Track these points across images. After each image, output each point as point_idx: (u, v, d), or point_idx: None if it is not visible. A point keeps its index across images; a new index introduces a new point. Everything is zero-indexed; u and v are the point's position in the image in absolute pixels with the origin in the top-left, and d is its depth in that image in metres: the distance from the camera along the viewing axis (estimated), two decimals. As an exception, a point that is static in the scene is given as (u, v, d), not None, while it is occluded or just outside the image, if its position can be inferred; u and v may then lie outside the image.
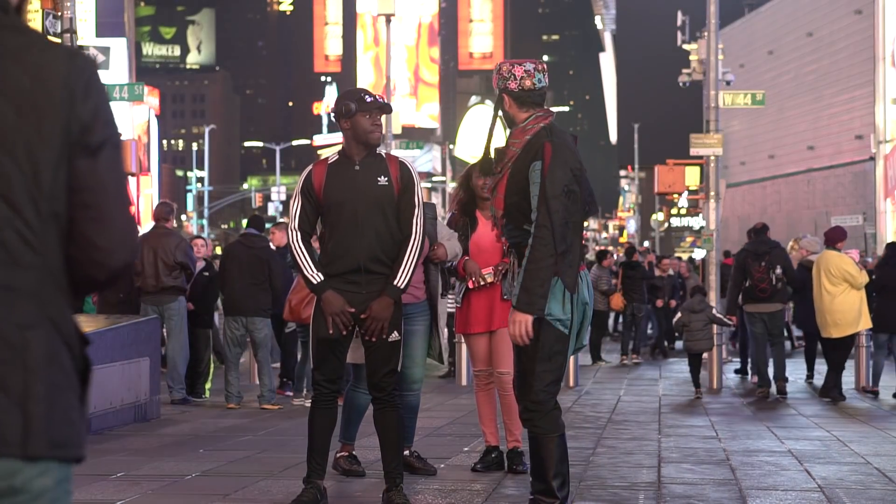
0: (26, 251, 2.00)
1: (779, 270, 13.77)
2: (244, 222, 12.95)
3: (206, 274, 13.22)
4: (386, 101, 6.46)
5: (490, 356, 7.70)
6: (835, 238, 13.80)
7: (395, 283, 6.16)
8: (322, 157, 6.52)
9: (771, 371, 13.98)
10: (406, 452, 7.61)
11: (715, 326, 14.32)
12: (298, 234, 6.23)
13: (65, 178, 2.03)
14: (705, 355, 14.50)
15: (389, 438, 6.36)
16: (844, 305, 13.37)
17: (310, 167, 6.40)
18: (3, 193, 1.98)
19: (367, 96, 6.30)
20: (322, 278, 6.13)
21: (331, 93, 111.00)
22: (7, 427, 1.93)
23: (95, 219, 2.05)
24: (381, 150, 6.43)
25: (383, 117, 6.57)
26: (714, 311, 14.41)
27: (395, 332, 6.24)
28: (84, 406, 2.06)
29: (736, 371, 16.93)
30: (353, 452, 7.59)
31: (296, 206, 6.28)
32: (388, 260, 6.18)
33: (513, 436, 7.75)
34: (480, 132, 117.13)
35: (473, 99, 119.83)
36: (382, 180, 6.22)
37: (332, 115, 6.49)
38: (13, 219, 1.99)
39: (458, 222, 7.72)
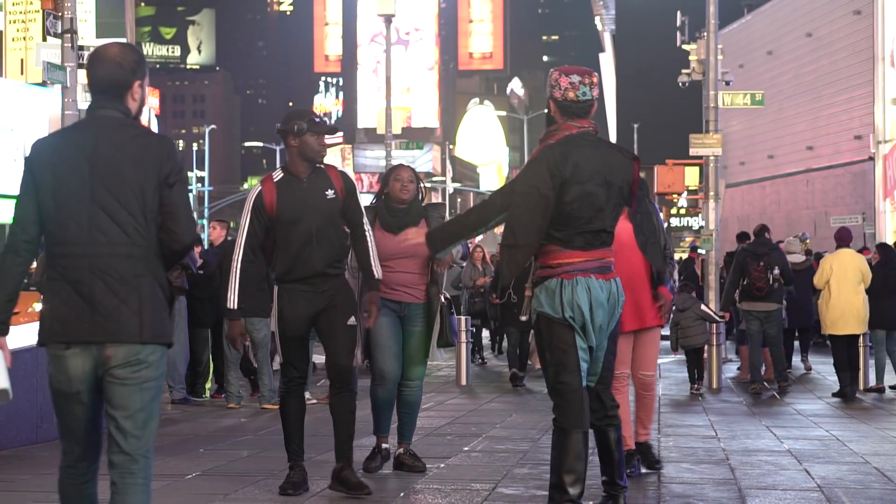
0: (139, 237, 4.09)
1: (776, 271, 13.87)
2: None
3: (202, 272, 13.19)
4: (332, 123, 6.84)
5: (630, 357, 7.75)
6: (848, 238, 14.08)
7: (376, 276, 6.83)
8: (266, 175, 6.82)
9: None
10: (401, 450, 7.70)
11: (714, 324, 14.39)
12: (242, 253, 6.64)
13: (158, 200, 4.10)
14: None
15: (347, 421, 6.76)
16: (866, 303, 13.66)
17: (258, 186, 6.75)
18: (128, 209, 4.07)
19: (315, 118, 6.75)
20: (237, 307, 6.66)
21: (324, 89, 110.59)
22: (132, 327, 4.06)
23: (173, 219, 4.13)
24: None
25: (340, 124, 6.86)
26: (702, 306, 14.44)
27: (353, 317, 6.76)
28: (171, 317, 4.22)
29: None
30: (385, 445, 7.72)
31: (245, 224, 6.66)
32: (339, 263, 6.78)
33: (645, 429, 8.03)
34: (480, 132, 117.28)
35: (473, 101, 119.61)
36: (330, 193, 6.70)
37: (280, 132, 6.76)
38: (133, 221, 4.08)
39: None
